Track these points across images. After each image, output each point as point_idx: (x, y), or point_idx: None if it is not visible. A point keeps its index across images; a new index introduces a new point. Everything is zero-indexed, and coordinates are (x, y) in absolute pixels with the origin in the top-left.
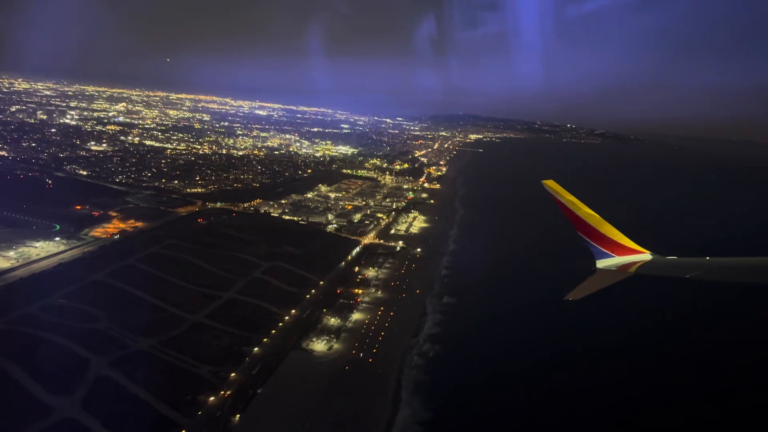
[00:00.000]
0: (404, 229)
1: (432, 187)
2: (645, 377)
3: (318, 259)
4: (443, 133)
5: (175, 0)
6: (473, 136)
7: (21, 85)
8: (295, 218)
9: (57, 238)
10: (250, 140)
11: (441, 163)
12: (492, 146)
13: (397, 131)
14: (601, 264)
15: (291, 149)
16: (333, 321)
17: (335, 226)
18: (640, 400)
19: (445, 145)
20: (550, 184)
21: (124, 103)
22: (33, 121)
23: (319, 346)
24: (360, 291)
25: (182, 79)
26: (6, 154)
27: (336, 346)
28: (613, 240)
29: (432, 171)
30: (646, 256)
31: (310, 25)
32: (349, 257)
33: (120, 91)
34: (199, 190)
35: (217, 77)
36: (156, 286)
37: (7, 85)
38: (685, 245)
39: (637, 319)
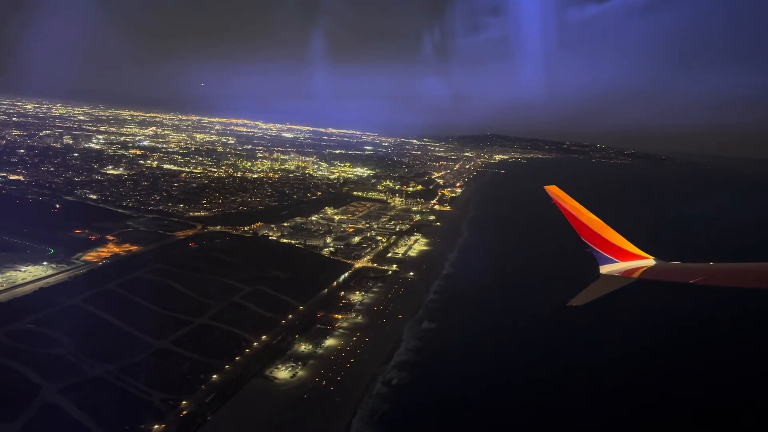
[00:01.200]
0: (402, 252)
1: (442, 209)
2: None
3: (304, 283)
4: (468, 154)
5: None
6: (498, 157)
7: (58, 110)
8: (293, 241)
9: (45, 263)
10: (269, 162)
11: (458, 184)
12: (515, 167)
13: (420, 152)
14: (604, 269)
15: (307, 171)
16: (304, 347)
17: (332, 249)
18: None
19: (467, 166)
20: (553, 189)
21: (154, 128)
22: (59, 145)
23: (282, 373)
24: (340, 316)
25: (214, 99)
26: (22, 179)
27: (301, 373)
28: (616, 245)
29: (446, 192)
30: (650, 261)
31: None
32: (337, 281)
33: (154, 115)
34: (203, 213)
35: (245, 91)
36: (128, 311)
37: (44, 110)
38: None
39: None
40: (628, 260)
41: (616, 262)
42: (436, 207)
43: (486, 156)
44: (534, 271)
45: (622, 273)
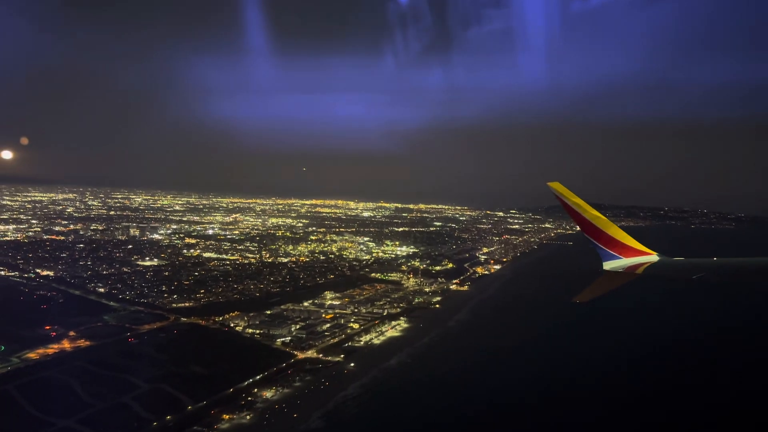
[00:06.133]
0: (367, 339)
1: (459, 288)
2: None
3: (221, 378)
4: (547, 225)
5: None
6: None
7: (162, 200)
8: (256, 331)
9: None
10: (314, 245)
11: (503, 259)
12: None
13: (490, 226)
14: (608, 266)
15: (344, 253)
16: None
17: (287, 338)
18: None
19: (532, 239)
20: (556, 186)
21: (237, 214)
22: (124, 237)
23: None
24: (227, 416)
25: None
26: (52, 274)
27: None
28: (619, 242)
29: (479, 270)
30: (653, 257)
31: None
32: (262, 375)
33: (253, 201)
34: (187, 304)
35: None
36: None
37: (152, 201)
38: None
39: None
40: (632, 256)
41: (620, 258)
42: (453, 287)
43: (567, 226)
44: (486, 370)
45: (625, 269)
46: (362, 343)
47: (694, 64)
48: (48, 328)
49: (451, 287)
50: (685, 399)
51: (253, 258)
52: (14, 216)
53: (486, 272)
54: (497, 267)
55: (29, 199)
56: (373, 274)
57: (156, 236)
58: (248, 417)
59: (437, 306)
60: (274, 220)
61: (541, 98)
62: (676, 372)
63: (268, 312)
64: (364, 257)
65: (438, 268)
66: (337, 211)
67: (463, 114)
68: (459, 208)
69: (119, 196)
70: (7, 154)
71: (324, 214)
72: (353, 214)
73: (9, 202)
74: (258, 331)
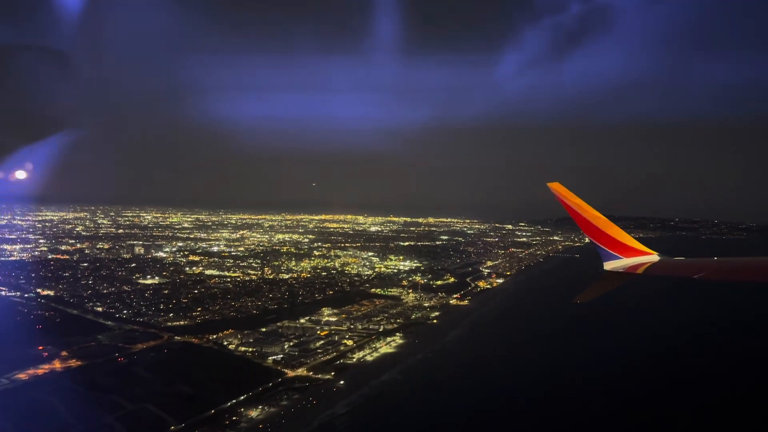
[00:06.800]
0: (360, 356)
1: (459, 303)
2: None
3: (207, 398)
4: (555, 238)
5: None
6: (588, 239)
7: (172, 218)
8: (249, 350)
9: None
10: (317, 261)
11: (507, 273)
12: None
13: (497, 239)
14: (608, 266)
15: (346, 269)
16: None
17: (279, 356)
18: None
19: (537, 252)
20: (556, 186)
21: (244, 231)
22: (128, 255)
23: None
24: None
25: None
26: (52, 293)
27: None
28: (620, 241)
29: (481, 284)
30: (654, 257)
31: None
32: (248, 394)
33: (262, 217)
34: (183, 322)
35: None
36: None
37: (161, 219)
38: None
39: None
40: (632, 256)
41: (620, 258)
42: (453, 302)
43: (576, 239)
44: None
45: (626, 269)
46: (354, 360)
47: (711, 63)
48: (41, 348)
49: (451, 302)
50: (685, 399)
51: (254, 274)
52: (22, 236)
53: (488, 286)
54: (500, 281)
55: (40, 218)
56: (373, 290)
57: (160, 254)
58: None
59: (435, 321)
60: (280, 236)
61: (563, 102)
62: (676, 372)
63: (263, 329)
64: (366, 272)
65: (439, 282)
66: (345, 226)
67: (468, 116)
68: (468, 221)
69: (129, 215)
70: (21, 175)
71: (331, 230)
72: (361, 228)
73: (20, 222)
74: (251, 349)
